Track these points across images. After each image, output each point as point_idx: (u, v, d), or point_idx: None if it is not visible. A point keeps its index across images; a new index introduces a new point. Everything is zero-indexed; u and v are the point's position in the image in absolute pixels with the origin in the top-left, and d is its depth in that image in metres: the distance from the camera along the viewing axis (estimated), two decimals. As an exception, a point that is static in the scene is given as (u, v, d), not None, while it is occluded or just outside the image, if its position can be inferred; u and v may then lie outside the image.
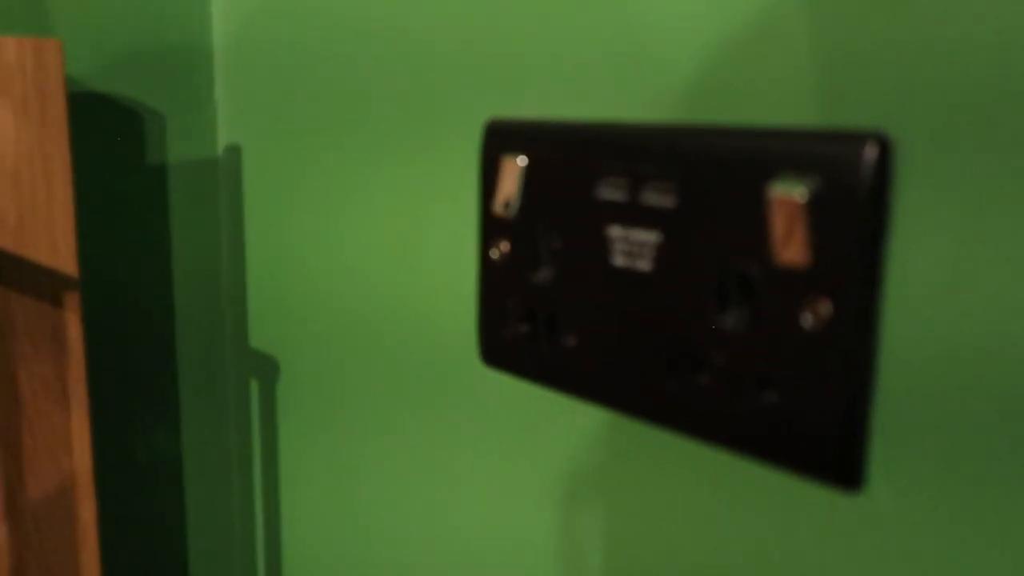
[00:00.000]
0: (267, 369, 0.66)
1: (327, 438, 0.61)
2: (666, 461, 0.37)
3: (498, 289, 0.40)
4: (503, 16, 0.43)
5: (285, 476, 0.66)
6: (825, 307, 0.28)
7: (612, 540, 0.41)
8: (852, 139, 0.27)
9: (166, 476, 0.69)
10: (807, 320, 0.29)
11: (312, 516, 0.64)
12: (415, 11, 0.48)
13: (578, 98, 0.39)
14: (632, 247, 0.34)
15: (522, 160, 0.38)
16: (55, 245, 0.55)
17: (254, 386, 0.68)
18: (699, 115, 0.34)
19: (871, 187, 0.27)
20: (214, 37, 0.66)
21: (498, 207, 0.40)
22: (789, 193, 0.28)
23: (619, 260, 0.35)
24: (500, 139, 0.40)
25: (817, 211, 0.28)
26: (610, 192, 0.35)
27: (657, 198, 0.33)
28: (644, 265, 0.34)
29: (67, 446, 0.57)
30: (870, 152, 0.27)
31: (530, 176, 0.38)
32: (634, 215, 0.34)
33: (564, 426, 0.42)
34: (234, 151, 0.66)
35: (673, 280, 0.33)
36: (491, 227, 0.40)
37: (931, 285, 0.28)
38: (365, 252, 0.55)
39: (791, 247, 0.29)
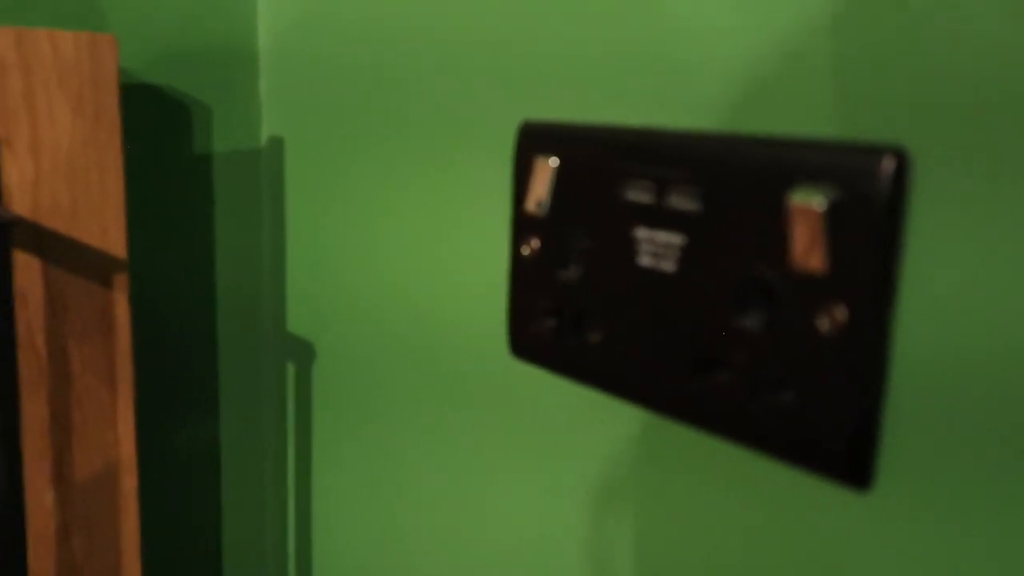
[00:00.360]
0: (304, 354, 0.68)
1: (361, 422, 0.63)
2: (699, 463, 0.39)
3: (528, 285, 0.42)
4: (539, 21, 0.44)
5: (318, 458, 0.69)
6: (841, 312, 0.30)
7: (645, 541, 0.42)
8: (871, 152, 0.29)
9: (203, 454, 0.71)
10: (823, 324, 0.30)
11: (344, 498, 0.66)
12: (453, 14, 0.50)
13: (609, 103, 0.40)
14: (657, 248, 0.36)
15: (554, 161, 0.40)
16: (106, 229, 0.58)
17: (290, 370, 0.70)
18: (726, 122, 0.35)
19: (888, 198, 0.28)
20: (259, 33, 0.68)
21: (530, 206, 0.41)
22: (808, 202, 0.30)
23: (644, 260, 0.36)
24: (533, 140, 0.41)
25: (835, 220, 0.29)
26: (637, 194, 0.36)
27: (682, 202, 0.34)
28: (668, 266, 0.35)
29: (112, 421, 0.60)
30: (888, 164, 0.28)
31: (561, 177, 0.40)
32: (660, 217, 0.35)
33: (598, 427, 0.44)
34: (277, 143, 0.68)
35: (695, 281, 0.34)
36: (523, 225, 0.42)
37: (943, 292, 0.29)
38: (401, 244, 0.57)
39: (809, 254, 0.30)
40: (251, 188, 0.70)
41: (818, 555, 0.34)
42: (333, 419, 0.66)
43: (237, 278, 0.71)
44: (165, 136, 0.66)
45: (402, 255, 0.57)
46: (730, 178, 0.33)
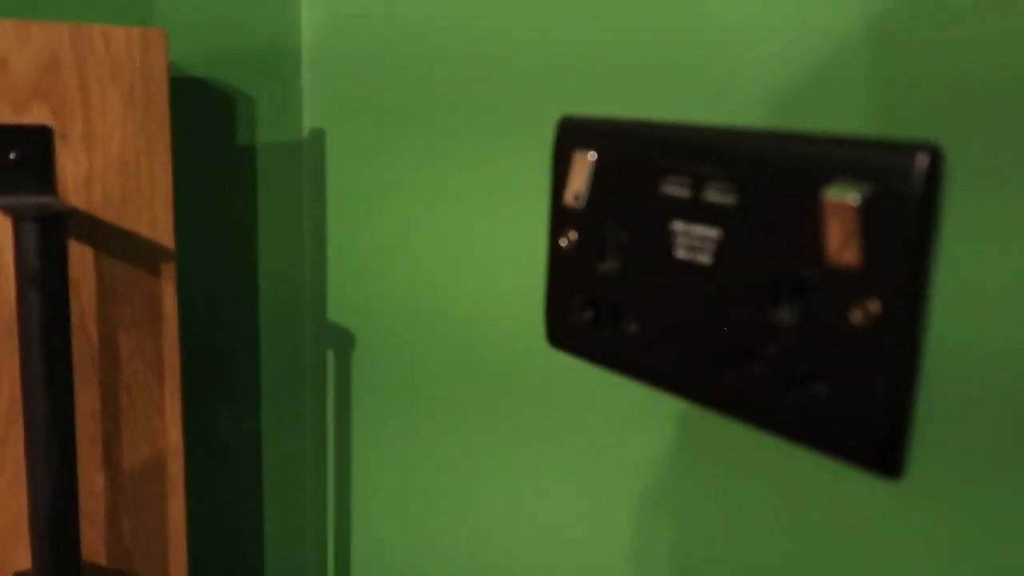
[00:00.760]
0: (344, 342, 0.70)
1: (400, 410, 0.64)
2: (737, 454, 0.40)
3: (565, 276, 0.43)
4: (578, 16, 0.45)
5: (358, 443, 0.70)
6: (874, 306, 0.30)
7: (683, 532, 0.43)
8: (905, 149, 0.29)
9: (245, 440, 0.73)
10: (856, 318, 0.31)
11: (383, 483, 0.67)
12: (494, 9, 0.51)
13: (646, 98, 0.41)
14: (693, 241, 0.36)
15: (592, 155, 0.41)
16: (155, 220, 0.59)
17: (330, 358, 0.72)
18: (763, 119, 0.36)
19: (922, 194, 0.29)
20: (302, 28, 0.70)
21: (568, 199, 0.42)
22: (843, 198, 0.30)
23: (681, 253, 0.37)
24: (572, 135, 0.42)
25: (869, 216, 0.30)
26: (674, 189, 0.37)
27: (718, 197, 0.35)
28: (704, 259, 0.36)
29: (160, 407, 0.61)
30: (921, 161, 0.29)
31: (599, 171, 0.40)
32: (696, 211, 0.36)
33: (636, 419, 0.45)
34: (318, 134, 0.70)
35: (731, 275, 0.35)
36: (561, 217, 0.43)
37: (974, 285, 0.29)
38: (440, 236, 0.58)
39: (843, 249, 0.30)
40: (293, 179, 0.72)
41: (850, 543, 0.34)
42: (372, 406, 0.67)
43: (279, 267, 0.72)
44: (211, 128, 0.67)
45: (441, 246, 0.58)
46: (766, 173, 0.33)
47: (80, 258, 0.57)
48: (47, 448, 0.53)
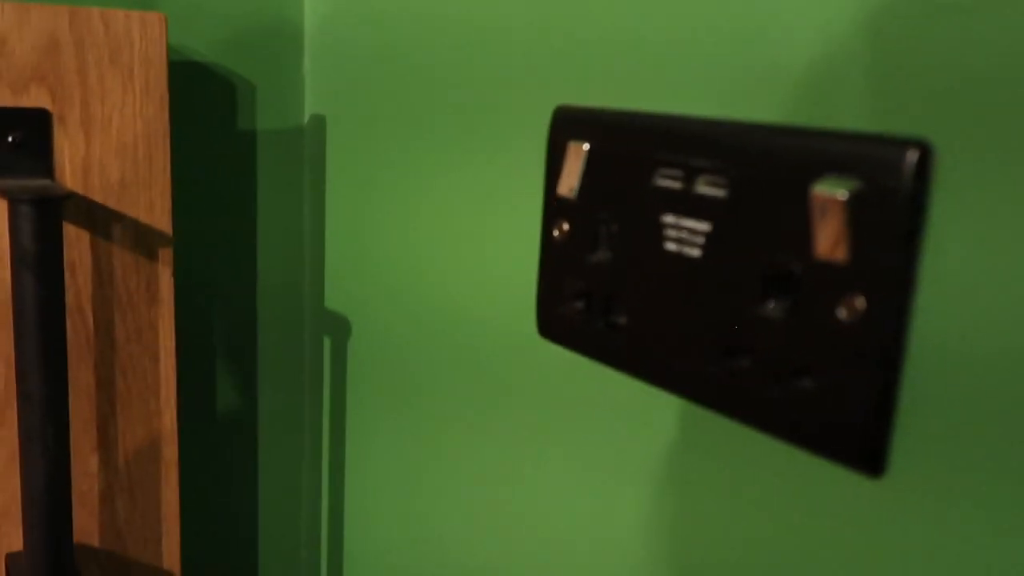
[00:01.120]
0: (340, 329, 0.70)
1: (396, 397, 0.64)
2: (732, 448, 0.39)
3: (558, 267, 0.43)
4: (578, 5, 0.45)
5: (353, 430, 0.70)
6: (860, 302, 0.30)
7: (686, 528, 0.43)
8: (894, 144, 0.29)
9: (241, 424, 0.73)
10: (842, 313, 0.31)
11: (378, 469, 0.67)
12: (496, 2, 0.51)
13: (643, 88, 0.41)
14: (683, 234, 0.36)
15: (586, 146, 0.40)
16: (152, 204, 0.60)
17: (327, 345, 0.72)
18: (764, 111, 0.36)
19: (910, 190, 0.28)
20: (305, 13, 0.69)
21: (562, 189, 0.42)
22: (832, 192, 0.30)
23: (671, 246, 0.37)
24: (567, 125, 0.42)
25: (857, 211, 0.30)
26: (665, 181, 0.37)
27: (709, 189, 0.35)
28: (694, 252, 0.36)
29: (155, 390, 0.62)
30: (911, 157, 0.28)
31: (592, 162, 0.40)
32: (687, 204, 0.36)
33: (629, 411, 0.45)
34: (319, 121, 0.69)
35: (720, 268, 0.35)
36: (554, 208, 0.43)
37: (960, 282, 0.29)
38: (437, 225, 0.58)
39: (831, 244, 0.30)
40: (294, 165, 0.71)
41: (836, 539, 0.34)
42: (369, 394, 0.68)
43: (278, 253, 0.72)
44: (211, 113, 0.67)
45: (440, 235, 0.58)
46: (756, 167, 0.33)
47: (77, 241, 0.58)
48: (41, 429, 0.53)
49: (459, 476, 0.58)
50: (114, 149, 0.58)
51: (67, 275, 0.57)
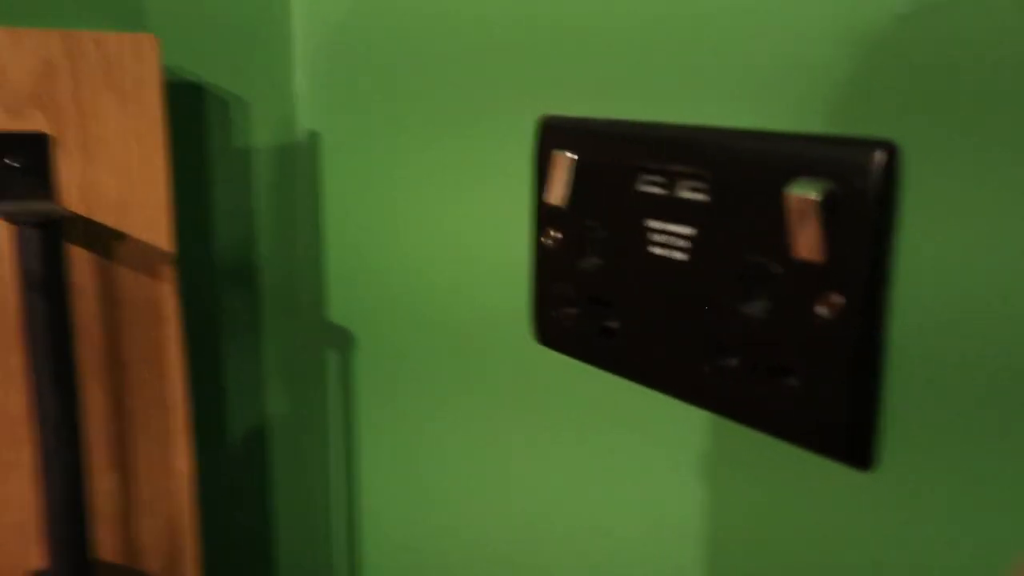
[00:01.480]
0: (343, 339, 0.71)
1: (399, 406, 0.65)
2: (723, 439, 0.40)
3: (549, 274, 0.44)
4: (562, 11, 0.46)
5: (361, 439, 0.71)
6: (838, 299, 0.31)
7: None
8: (863, 145, 0.30)
9: (252, 433, 0.75)
10: (822, 312, 0.31)
11: (385, 476, 0.69)
12: (483, 9, 0.51)
13: (631, 91, 0.42)
14: (668, 238, 0.37)
15: (571, 155, 0.41)
16: (153, 223, 0.61)
17: (330, 353, 0.73)
18: (751, 118, 0.37)
19: (879, 190, 0.29)
20: (294, 32, 0.70)
21: (550, 198, 0.43)
22: (805, 194, 0.31)
23: (656, 250, 0.38)
24: (552, 135, 0.43)
25: (830, 211, 0.30)
26: (648, 187, 0.37)
27: (690, 194, 0.36)
28: (679, 255, 0.37)
29: (165, 407, 0.63)
30: (879, 158, 0.29)
31: (578, 170, 0.41)
32: (670, 209, 0.37)
33: (623, 405, 0.46)
34: (313, 136, 0.70)
35: (703, 270, 0.36)
36: (544, 216, 0.44)
37: (936, 277, 0.30)
38: (431, 234, 0.59)
39: (806, 244, 0.31)
40: (288, 178, 0.72)
41: (828, 530, 0.35)
42: (372, 398, 0.69)
43: (276, 266, 0.73)
44: (206, 131, 0.68)
45: (432, 242, 0.59)
46: (733, 171, 0.34)
47: (82, 263, 0.59)
48: (57, 449, 0.54)
49: (462, 474, 0.59)
50: (113, 170, 0.59)
51: (75, 297, 0.59)
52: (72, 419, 0.54)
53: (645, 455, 0.44)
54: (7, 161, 0.56)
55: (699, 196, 0.35)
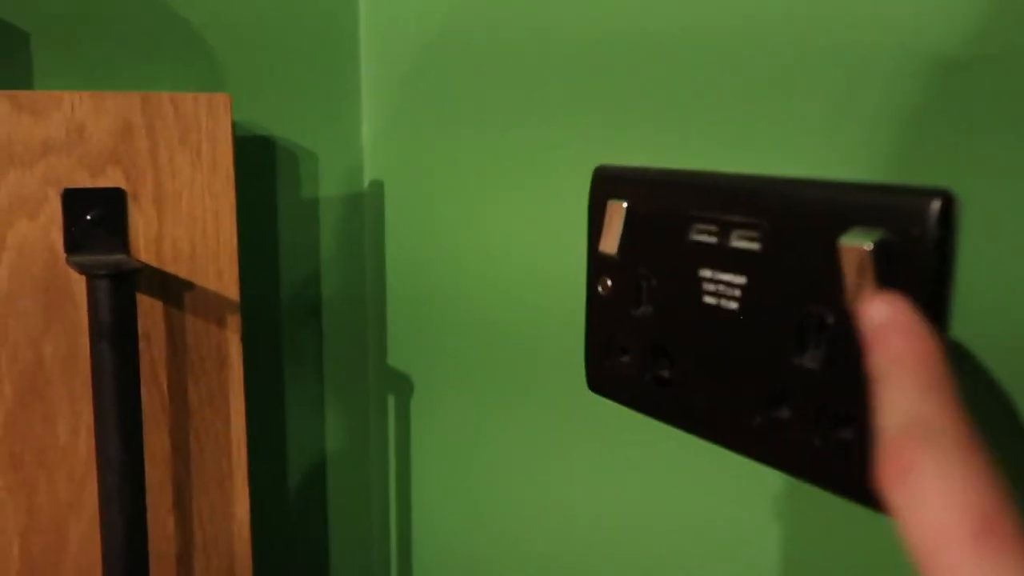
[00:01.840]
0: (403, 385, 0.72)
1: (458, 450, 0.65)
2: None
3: (603, 322, 0.44)
4: (628, 68, 0.46)
5: (417, 483, 0.71)
6: (894, 350, 0.30)
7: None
8: (918, 194, 0.29)
9: (312, 482, 0.75)
10: (878, 362, 0.31)
11: (441, 517, 0.68)
12: (549, 60, 0.52)
13: (679, 145, 0.42)
14: (720, 287, 0.37)
15: (624, 204, 0.41)
16: (221, 273, 0.62)
17: (391, 401, 0.74)
18: (807, 167, 0.36)
19: (935, 239, 0.29)
20: (362, 87, 0.73)
21: (604, 246, 0.43)
22: (860, 243, 0.30)
23: (709, 299, 0.37)
24: (606, 184, 0.43)
25: (885, 260, 0.30)
26: (701, 236, 0.37)
27: (743, 243, 0.35)
28: (731, 305, 0.36)
29: (227, 451, 0.64)
30: (934, 206, 0.29)
31: (632, 219, 0.41)
32: (723, 258, 0.36)
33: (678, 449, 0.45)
34: (377, 186, 0.72)
35: (756, 320, 0.35)
36: (598, 265, 0.44)
37: (993, 322, 0.29)
38: (491, 277, 0.59)
39: (861, 294, 0.31)
40: (354, 228, 0.74)
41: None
42: (430, 443, 0.69)
43: (342, 315, 0.75)
44: (275, 183, 0.71)
45: (490, 285, 0.59)
46: (787, 220, 0.34)
47: (151, 311, 0.61)
48: (119, 492, 0.56)
49: (520, 519, 0.59)
50: (184, 223, 0.61)
51: (142, 344, 0.60)
52: (134, 462, 0.56)
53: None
54: (87, 217, 0.58)
55: (752, 245, 0.35)
